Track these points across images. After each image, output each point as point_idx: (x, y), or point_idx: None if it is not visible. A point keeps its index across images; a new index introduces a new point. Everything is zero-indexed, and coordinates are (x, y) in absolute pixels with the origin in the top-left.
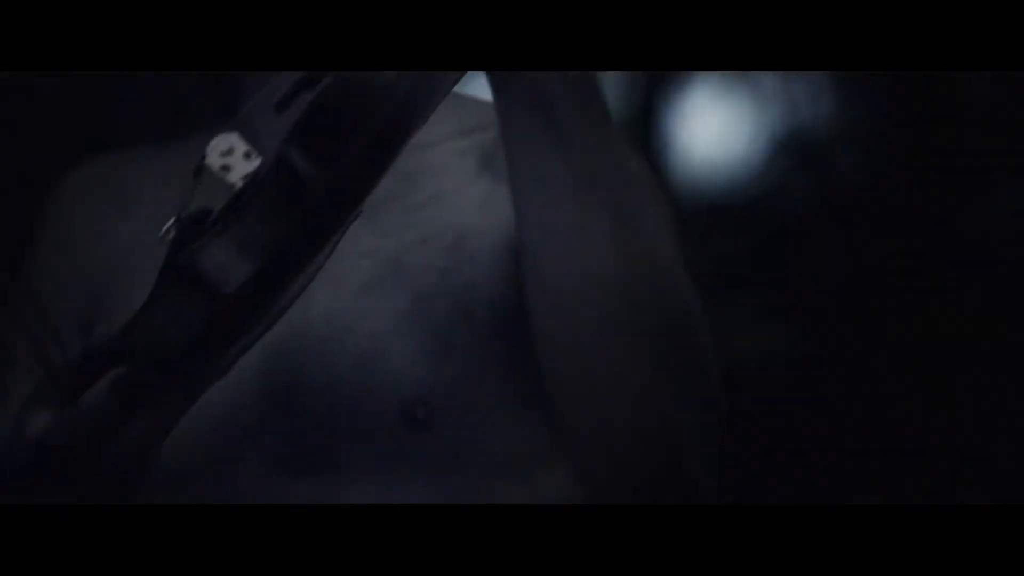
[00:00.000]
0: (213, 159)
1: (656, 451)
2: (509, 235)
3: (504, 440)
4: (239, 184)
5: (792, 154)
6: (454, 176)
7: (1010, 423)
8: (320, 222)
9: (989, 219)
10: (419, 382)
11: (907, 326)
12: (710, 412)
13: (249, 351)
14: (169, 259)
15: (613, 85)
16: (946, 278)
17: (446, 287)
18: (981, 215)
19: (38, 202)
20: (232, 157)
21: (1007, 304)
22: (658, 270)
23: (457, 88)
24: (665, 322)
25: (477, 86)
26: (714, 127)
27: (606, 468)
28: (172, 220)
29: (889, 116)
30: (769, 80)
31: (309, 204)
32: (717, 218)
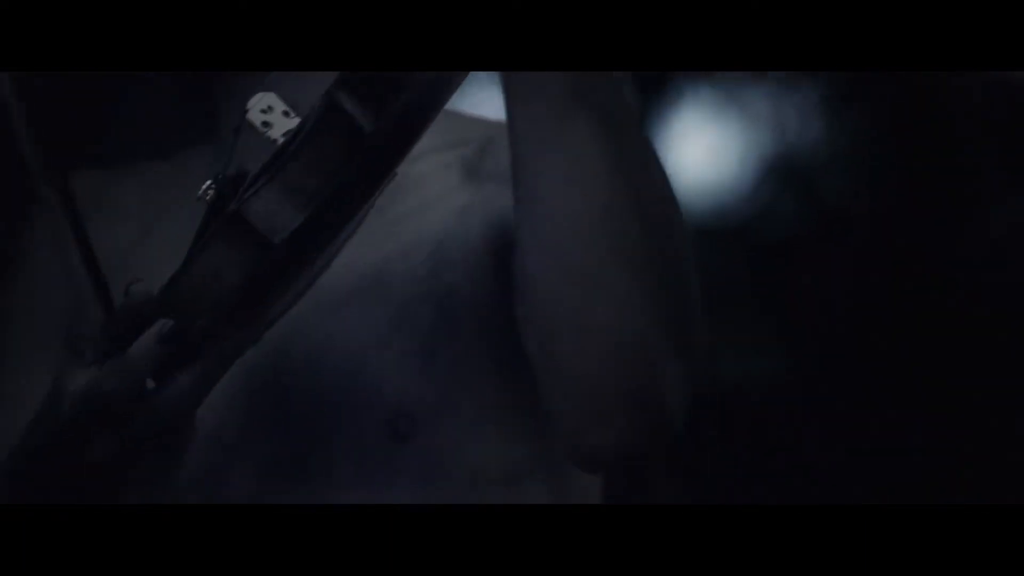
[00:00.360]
0: (255, 115)
1: (632, 367)
2: (490, 237)
3: (488, 450)
4: (281, 140)
5: (781, 176)
6: (436, 187)
7: (1009, 441)
8: (367, 170)
9: (981, 240)
10: (402, 393)
11: (901, 348)
12: (686, 333)
13: (231, 368)
14: (208, 217)
15: None
16: (939, 300)
17: (428, 294)
18: (973, 236)
19: (23, 218)
20: (272, 115)
21: (1001, 325)
22: (644, 189)
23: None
24: (649, 240)
25: (460, 101)
26: (703, 149)
27: (585, 388)
28: (210, 181)
29: (879, 138)
30: (758, 102)
31: (359, 150)
32: (707, 240)
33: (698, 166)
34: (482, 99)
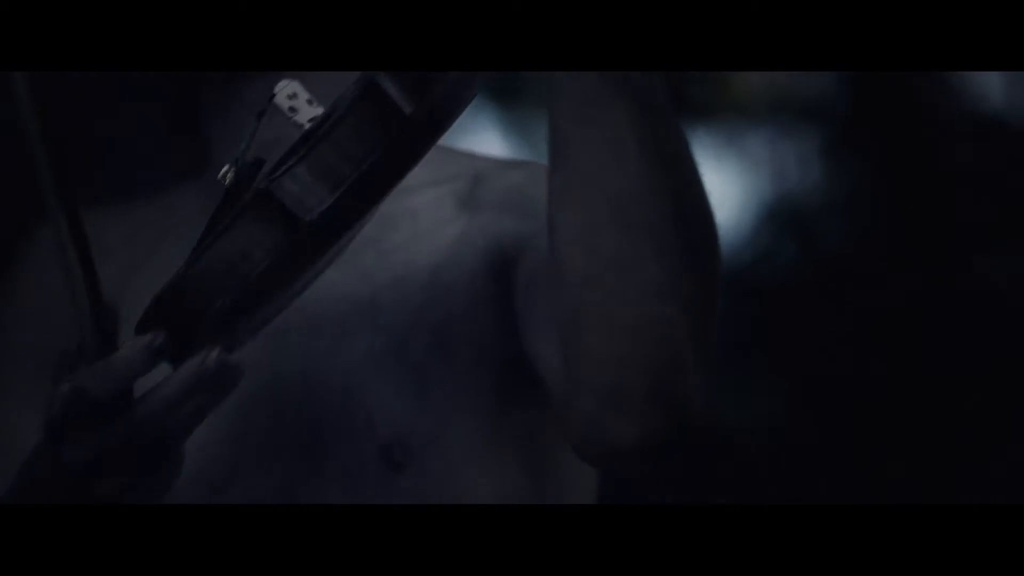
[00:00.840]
0: (281, 99)
1: (659, 358)
2: (490, 262)
3: (483, 480)
4: (307, 125)
5: (780, 221)
6: (429, 220)
7: (1009, 486)
8: (396, 156)
9: (977, 288)
10: (397, 422)
11: (895, 394)
12: (708, 329)
13: (222, 400)
14: (226, 201)
15: None
16: (934, 347)
17: (422, 322)
18: (969, 283)
19: (6, 256)
20: (297, 101)
21: (997, 371)
22: (679, 178)
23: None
24: (682, 230)
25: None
26: None
27: (609, 377)
28: (229, 164)
29: (877, 184)
30: (757, 146)
31: (395, 132)
32: None
33: None
34: (474, 132)
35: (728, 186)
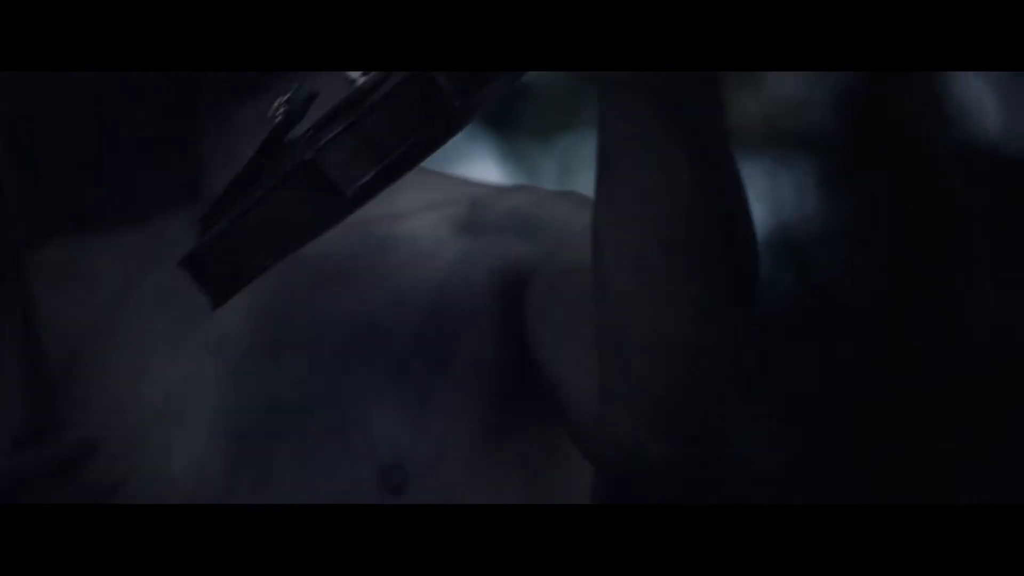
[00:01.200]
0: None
1: (701, 383)
2: (496, 282)
3: (481, 500)
4: (360, 80)
5: (778, 252)
6: (428, 242)
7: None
8: (435, 137)
9: (977, 320)
10: (396, 445)
11: (896, 426)
12: (743, 355)
13: (217, 419)
14: (271, 138)
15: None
16: (933, 378)
17: (423, 344)
18: (970, 314)
19: None
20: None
21: (997, 402)
22: (727, 203)
23: (425, 164)
24: (728, 255)
25: (435, 162)
26: None
27: (651, 399)
28: (280, 101)
29: (876, 215)
30: (754, 178)
31: (437, 118)
32: None
33: None
34: (470, 160)
35: None
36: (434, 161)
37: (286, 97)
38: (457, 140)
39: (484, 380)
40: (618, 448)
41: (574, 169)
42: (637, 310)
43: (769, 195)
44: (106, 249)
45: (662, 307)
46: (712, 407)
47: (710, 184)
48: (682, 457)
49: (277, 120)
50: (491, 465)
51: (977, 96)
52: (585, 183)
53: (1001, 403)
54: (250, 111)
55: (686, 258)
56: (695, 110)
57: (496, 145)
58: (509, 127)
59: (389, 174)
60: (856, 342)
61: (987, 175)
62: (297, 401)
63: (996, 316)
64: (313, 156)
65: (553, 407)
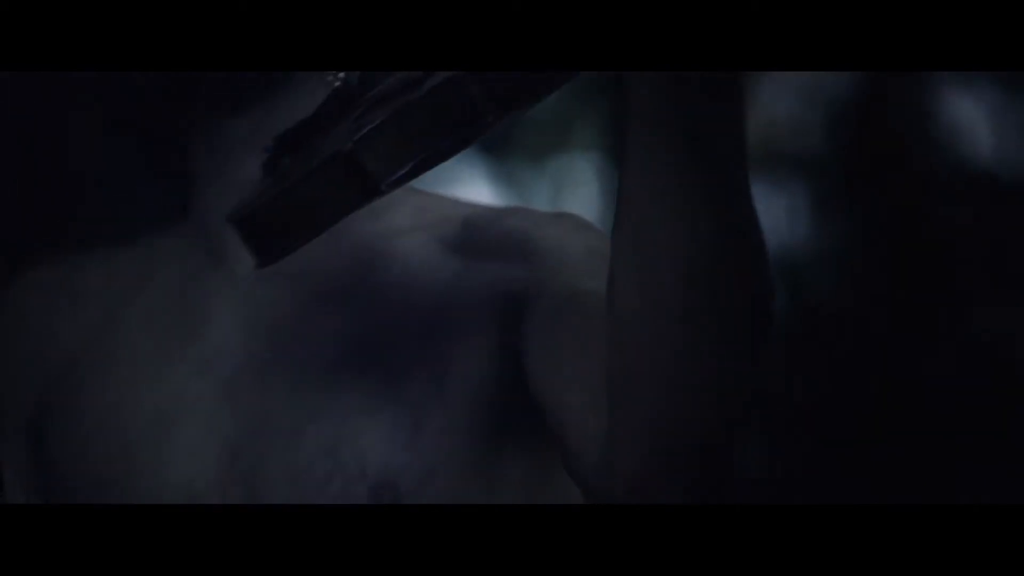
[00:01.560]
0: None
1: (715, 423)
2: (494, 300)
3: None
4: (336, 82)
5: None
6: (420, 261)
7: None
8: (468, 139)
9: (969, 341)
10: (388, 464)
11: (888, 448)
12: (758, 382)
13: (208, 437)
14: (330, 101)
15: (594, 205)
16: (925, 401)
17: (417, 363)
18: (961, 337)
19: None
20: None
21: (987, 425)
22: (748, 244)
23: (417, 183)
24: (748, 292)
25: (426, 182)
26: None
27: (664, 437)
28: (336, 75)
29: (868, 238)
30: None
31: (468, 128)
32: None
33: None
34: (463, 183)
35: None
36: (425, 181)
37: (340, 74)
38: (449, 160)
39: (477, 400)
40: (626, 485)
41: (566, 190)
42: (654, 349)
43: (764, 219)
44: (98, 267)
45: (680, 347)
46: (725, 446)
47: (730, 229)
48: (692, 491)
49: (337, 85)
50: (483, 484)
51: (969, 118)
52: (577, 204)
53: (1000, 408)
54: (242, 128)
55: (705, 298)
56: (718, 155)
57: (488, 166)
58: (501, 148)
59: (416, 171)
60: (851, 353)
61: (980, 198)
62: (289, 419)
63: (988, 332)
64: (352, 147)
65: (552, 440)
